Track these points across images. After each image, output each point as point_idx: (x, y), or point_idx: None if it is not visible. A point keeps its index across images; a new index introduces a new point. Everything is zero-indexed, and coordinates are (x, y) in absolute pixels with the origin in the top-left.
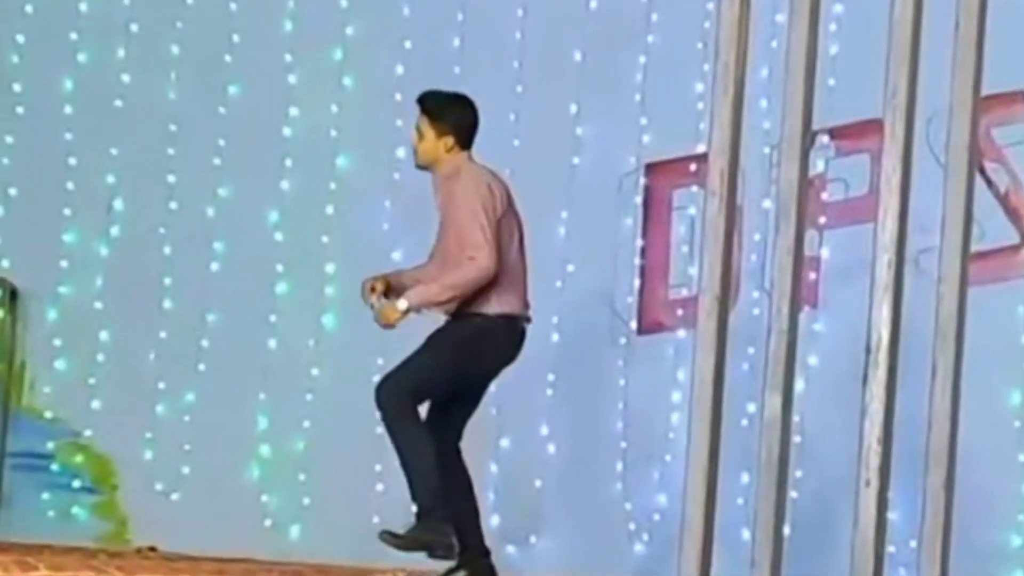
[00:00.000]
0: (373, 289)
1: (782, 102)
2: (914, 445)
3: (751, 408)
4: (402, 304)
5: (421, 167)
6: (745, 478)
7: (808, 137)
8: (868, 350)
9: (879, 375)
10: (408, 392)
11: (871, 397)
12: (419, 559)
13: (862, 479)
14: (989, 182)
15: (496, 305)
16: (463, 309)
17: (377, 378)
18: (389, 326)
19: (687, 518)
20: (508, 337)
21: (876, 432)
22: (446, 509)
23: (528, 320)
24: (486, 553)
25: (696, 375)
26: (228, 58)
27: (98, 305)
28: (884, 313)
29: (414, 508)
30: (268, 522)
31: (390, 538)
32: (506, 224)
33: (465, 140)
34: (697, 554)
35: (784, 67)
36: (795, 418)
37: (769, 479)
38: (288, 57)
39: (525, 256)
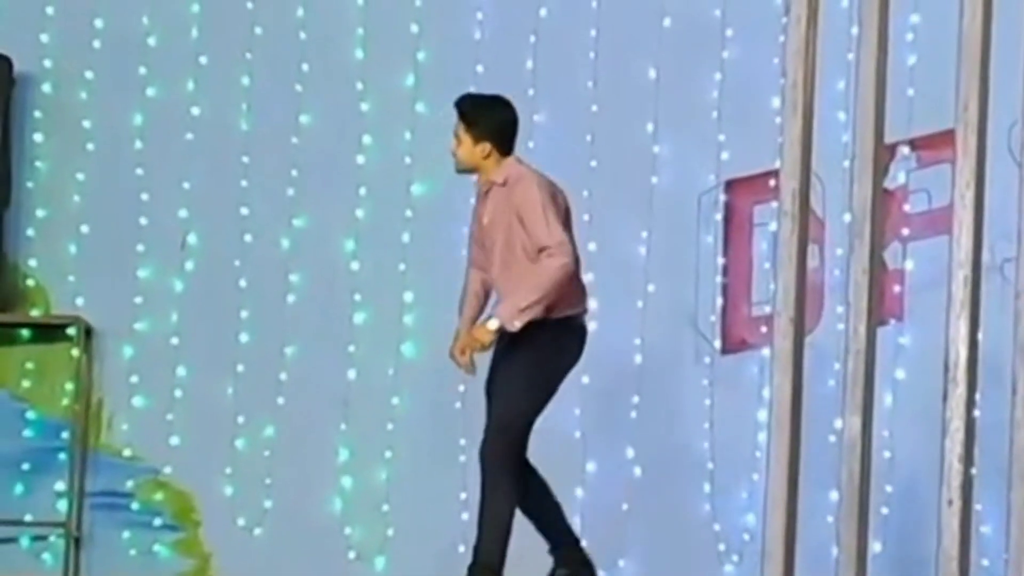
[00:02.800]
0: (463, 352)
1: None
2: (1007, 458)
3: (838, 424)
4: (493, 324)
5: (461, 172)
6: (834, 495)
7: (880, 154)
8: (946, 368)
9: (958, 392)
10: (514, 443)
11: (951, 415)
12: None
13: (944, 498)
14: None
15: (566, 307)
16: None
17: (459, 405)
18: (485, 349)
19: (767, 540)
20: (580, 339)
21: (957, 450)
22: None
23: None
24: (577, 542)
25: (774, 396)
26: (299, 88)
27: (174, 341)
28: (961, 330)
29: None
30: (352, 554)
31: None
32: (568, 225)
33: (505, 144)
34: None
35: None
36: (884, 433)
37: (851, 500)
38: (360, 85)
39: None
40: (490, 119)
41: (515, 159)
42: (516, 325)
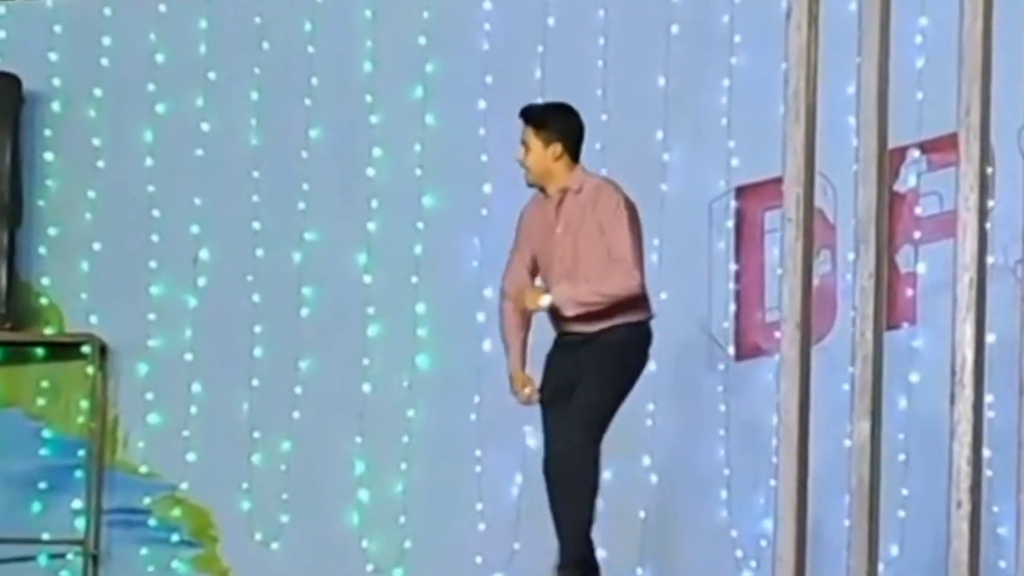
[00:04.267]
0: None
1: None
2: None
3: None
4: (546, 300)
5: (533, 184)
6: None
7: (884, 158)
8: (953, 371)
9: (965, 396)
10: (597, 438)
11: (958, 418)
12: None
13: (953, 501)
14: None
15: (636, 313)
16: (602, 320)
17: (474, 417)
18: (534, 310)
19: (778, 546)
20: (647, 344)
21: (965, 453)
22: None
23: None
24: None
25: (782, 403)
26: (308, 102)
27: (188, 357)
28: (968, 333)
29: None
30: (370, 567)
31: None
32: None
33: (574, 149)
34: None
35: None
36: (899, 436)
37: (861, 504)
38: (369, 98)
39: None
40: (559, 121)
41: (583, 168)
42: (568, 312)
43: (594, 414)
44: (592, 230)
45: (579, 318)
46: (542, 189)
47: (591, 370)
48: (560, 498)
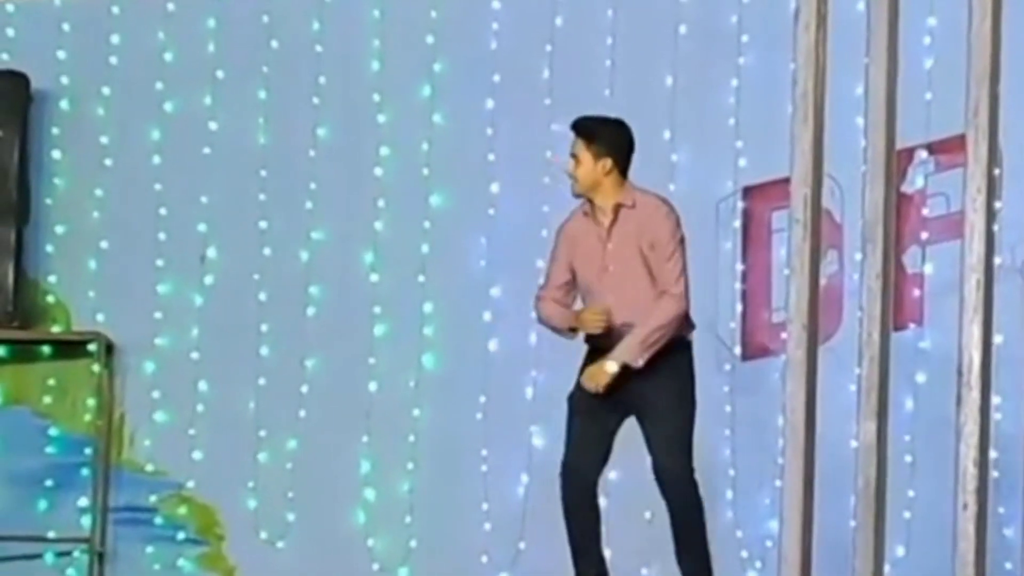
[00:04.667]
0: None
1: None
2: None
3: None
4: (613, 367)
5: (580, 195)
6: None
7: (892, 159)
8: (960, 373)
9: (972, 397)
10: (692, 458)
11: (965, 419)
12: None
13: (959, 502)
14: None
15: (687, 331)
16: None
17: (480, 416)
18: (600, 388)
19: (784, 547)
20: (692, 355)
21: (972, 455)
22: None
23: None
24: (601, 560)
25: (788, 404)
26: (316, 100)
27: (195, 355)
28: (975, 334)
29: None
30: (376, 566)
31: None
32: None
33: (624, 163)
34: None
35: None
36: (906, 438)
37: (867, 505)
38: (376, 97)
39: None
40: (611, 134)
41: (632, 182)
42: (640, 362)
43: (687, 439)
44: (644, 247)
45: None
46: (590, 201)
47: (663, 395)
48: (685, 522)
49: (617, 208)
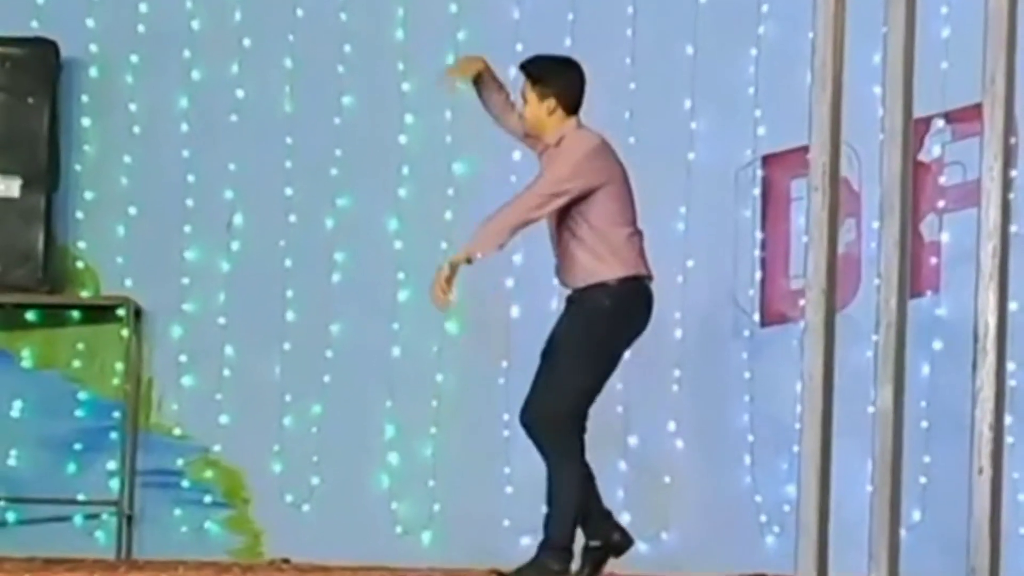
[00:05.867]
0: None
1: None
2: None
3: None
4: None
5: (529, 136)
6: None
7: (910, 127)
8: (976, 338)
9: (988, 362)
10: (568, 417)
11: (981, 384)
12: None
13: (975, 467)
14: None
15: (619, 268)
16: (582, 278)
17: (502, 381)
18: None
19: (801, 512)
20: (638, 304)
21: (987, 420)
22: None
23: (651, 279)
24: (608, 514)
25: (805, 370)
26: (341, 68)
27: (222, 320)
28: (990, 301)
29: (540, 536)
30: (399, 529)
31: None
32: (613, 190)
33: (569, 104)
34: (814, 553)
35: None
36: (921, 404)
37: (884, 472)
38: (401, 65)
39: (635, 216)
40: (556, 78)
41: (574, 123)
42: (476, 251)
43: (564, 395)
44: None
45: (560, 270)
46: (540, 142)
47: (560, 336)
48: (547, 474)
49: (544, 149)
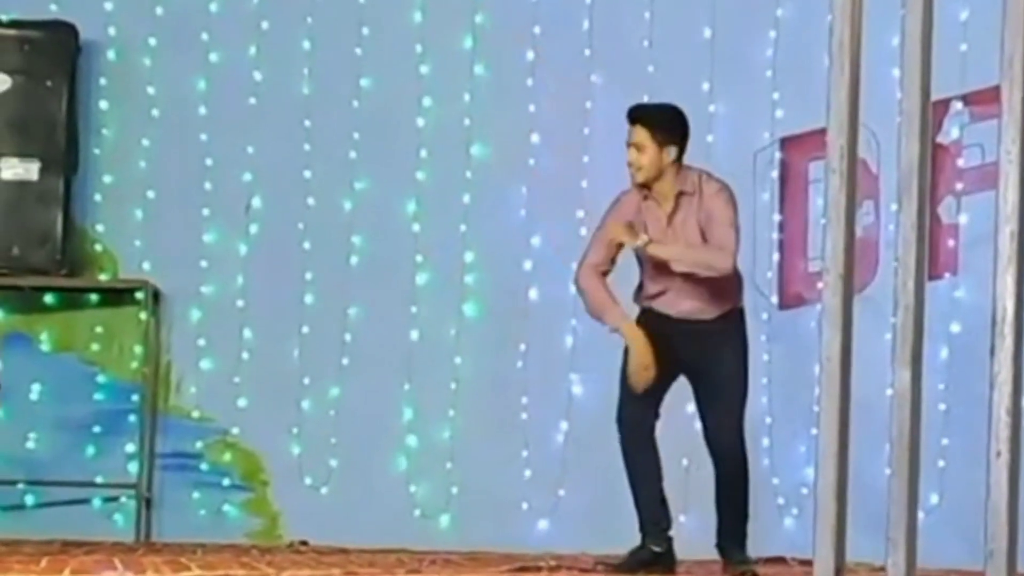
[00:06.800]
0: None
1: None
2: None
3: None
4: (643, 239)
5: (643, 184)
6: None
7: (927, 109)
8: (994, 321)
9: (1006, 345)
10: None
11: (998, 368)
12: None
13: (992, 450)
14: None
15: (740, 296)
16: (721, 303)
17: (520, 364)
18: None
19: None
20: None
21: (1005, 403)
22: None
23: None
24: (670, 525)
25: (823, 353)
26: (359, 51)
27: (240, 303)
28: (1008, 285)
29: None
30: (417, 512)
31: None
32: None
33: (684, 151)
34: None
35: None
36: (939, 386)
37: (902, 452)
38: (419, 48)
39: None
40: (675, 123)
41: (687, 166)
42: (669, 262)
43: (742, 407)
44: (703, 221)
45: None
46: (647, 188)
47: (723, 361)
48: (732, 484)
49: (679, 197)
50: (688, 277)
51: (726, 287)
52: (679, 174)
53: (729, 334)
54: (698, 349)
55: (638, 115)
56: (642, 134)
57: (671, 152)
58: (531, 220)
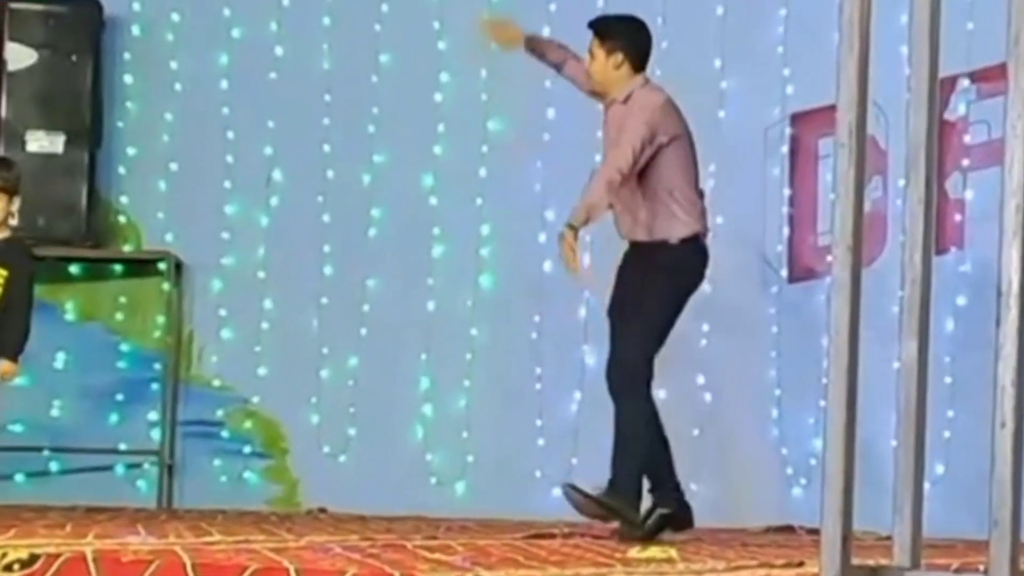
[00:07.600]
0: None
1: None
2: None
3: None
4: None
5: (594, 93)
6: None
7: (935, 85)
8: (999, 294)
9: (1010, 318)
10: (641, 365)
11: (1003, 340)
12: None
13: (997, 421)
14: None
15: (681, 227)
16: (644, 237)
17: (535, 335)
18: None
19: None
20: (696, 261)
21: (1009, 375)
22: (639, 491)
23: (706, 235)
24: (677, 486)
25: (832, 325)
26: (378, 27)
27: (261, 274)
28: (1013, 258)
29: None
30: (433, 480)
31: (574, 494)
32: (679, 147)
33: (636, 61)
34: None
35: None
36: (945, 359)
37: (908, 423)
38: (436, 24)
39: (698, 175)
40: (621, 31)
41: (641, 79)
42: (576, 221)
43: (629, 352)
44: (618, 140)
45: (623, 223)
46: (602, 96)
47: (631, 302)
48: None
49: (611, 103)
50: (624, 199)
51: (660, 214)
52: (626, 83)
53: (652, 264)
54: (627, 268)
55: (592, 24)
56: (593, 43)
57: (617, 59)
58: (546, 194)
